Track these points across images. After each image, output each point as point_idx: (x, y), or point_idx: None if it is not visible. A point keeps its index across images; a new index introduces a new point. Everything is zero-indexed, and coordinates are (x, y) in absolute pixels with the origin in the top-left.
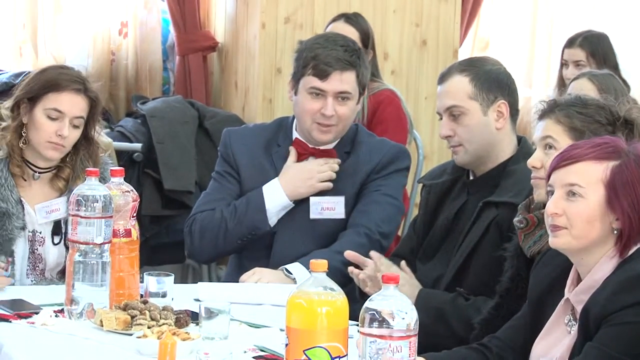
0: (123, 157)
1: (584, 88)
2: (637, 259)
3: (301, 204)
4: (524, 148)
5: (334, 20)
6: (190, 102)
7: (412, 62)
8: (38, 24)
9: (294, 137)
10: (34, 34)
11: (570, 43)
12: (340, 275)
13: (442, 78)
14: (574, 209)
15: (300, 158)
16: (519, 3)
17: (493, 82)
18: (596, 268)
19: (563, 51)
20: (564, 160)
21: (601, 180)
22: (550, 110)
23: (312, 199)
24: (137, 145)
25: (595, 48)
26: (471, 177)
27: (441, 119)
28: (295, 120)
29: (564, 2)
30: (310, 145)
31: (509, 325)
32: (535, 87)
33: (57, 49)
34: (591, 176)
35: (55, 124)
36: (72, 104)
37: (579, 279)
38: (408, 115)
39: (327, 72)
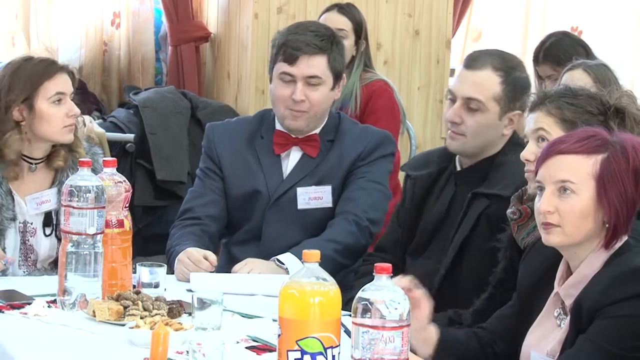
0: (115, 148)
1: (579, 79)
2: (628, 253)
3: (288, 195)
4: (512, 139)
5: (327, 10)
6: (182, 92)
7: (405, 52)
8: (30, 14)
9: (276, 128)
10: (26, 24)
11: (536, 60)
12: (332, 264)
13: (472, 65)
14: (567, 205)
15: (283, 148)
16: None
17: (519, 92)
18: (585, 263)
19: (534, 68)
20: (553, 154)
21: (591, 175)
22: (540, 102)
23: (299, 189)
24: (130, 136)
25: (557, 56)
26: (458, 168)
27: (452, 99)
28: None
29: None
30: (292, 136)
31: (498, 314)
32: None
33: (49, 39)
34: (582, 171)
35: (63, 107)
36: (67, 83)
37: (568, 273)
38: (401, 106)
39: (295, 56)
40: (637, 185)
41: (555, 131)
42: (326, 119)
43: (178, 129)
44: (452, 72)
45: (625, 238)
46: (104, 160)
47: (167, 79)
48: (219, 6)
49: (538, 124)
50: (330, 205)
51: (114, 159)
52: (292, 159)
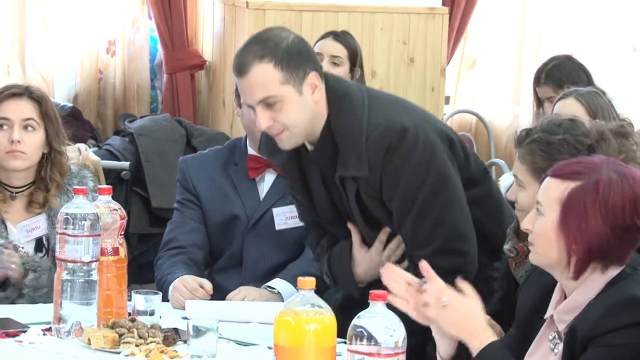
0: (111, 176)
1: (572, 108)
2: (625, 281)
3: (266, 217)
4: (331, 92)
5: (322, 37)
6: (178, 120)
7: (400, 79)
8: (26, 42)
9: (248, 153)
10: (21, 52)
11: (537, 81)
12: (320, 283)
13: (241, 69)
14: (537, 226)
15: (257, 172)
16: (506, 20)
17: (296, 57)
18: (580, 290)
19: (534, 89)
20: (546, 176)
21: (558, 200)
22: (519, 142)
23: (275, 210)
24: (125, 164)
25: (559, 78)
26: (310, 148)
27: (251, 108)
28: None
29: (551, 19)
30: (265, 158)
31: None
32: (523, 105)
33: (44, 67)
34: (551, 195)
35: (6, 133)
36: (16, 108)
37: (563, 297)
38: None
39: None
40: (605, 220)
41: (529, 181)
42: None
43: (173, 157)
44: (447, 99)
45: (620, 267)
46: (99, 187)
47: (163, 106)
48: (214, 34)
49: (515, 170)
50: None
51: (109, 186)
52: (266, 181)
